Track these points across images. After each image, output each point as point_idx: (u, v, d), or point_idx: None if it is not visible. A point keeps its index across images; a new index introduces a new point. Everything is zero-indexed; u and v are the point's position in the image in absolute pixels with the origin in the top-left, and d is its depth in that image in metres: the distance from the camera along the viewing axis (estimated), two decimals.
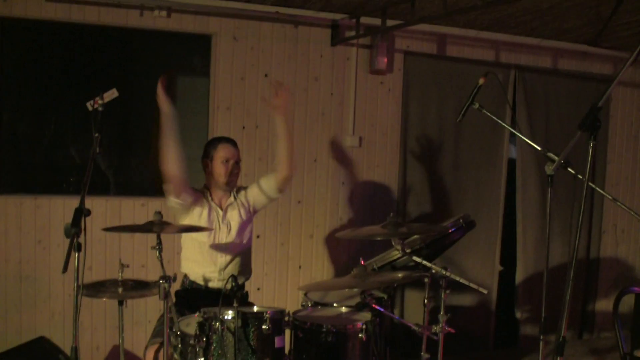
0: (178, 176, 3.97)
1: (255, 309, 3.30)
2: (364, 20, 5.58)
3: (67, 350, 4.44)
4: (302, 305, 4.07)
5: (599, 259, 7.10)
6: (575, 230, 2.57)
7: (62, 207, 5.12)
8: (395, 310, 5.94)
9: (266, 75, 5.56)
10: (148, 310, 5.32)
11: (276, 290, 5.67)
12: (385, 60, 5.82)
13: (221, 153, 4.19)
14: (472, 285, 3.44)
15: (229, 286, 3.16)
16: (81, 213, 2.67)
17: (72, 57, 5.40)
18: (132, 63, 5.62)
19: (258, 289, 5.62)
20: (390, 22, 5.33)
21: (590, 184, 2.84)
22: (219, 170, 4.18)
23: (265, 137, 5.54)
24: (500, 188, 6.46)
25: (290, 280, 5.71)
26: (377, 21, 5.42)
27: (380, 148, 6.01)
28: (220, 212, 4.22)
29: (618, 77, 2.58)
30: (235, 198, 4.28)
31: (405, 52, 6.06)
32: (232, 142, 4.28)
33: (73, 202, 4.91)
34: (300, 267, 5.78)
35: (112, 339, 5.29)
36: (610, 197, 3.02)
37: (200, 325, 3.16)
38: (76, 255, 2.60)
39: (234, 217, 4.23)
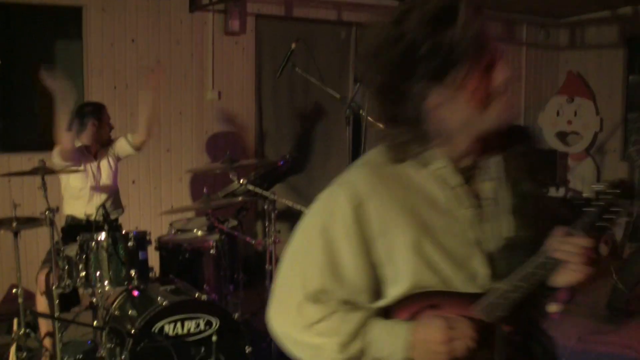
0: (69, 145, 4.70)
1: (123, 231, 4.16)
2: None
3: None
4: (168, 232, 4.96)
5: None
6: None
7: None
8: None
9: (133, 41, 6.30)
10: (40, 251, 5.96)
11: (152, 228, 6.20)
12: (238, 23, 6.65)
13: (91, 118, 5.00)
14: (295, 205, 4.39)
15: (99, 216, 4.01)
16: None
17: None
18: (13, 35, 6.19)
19: (137, 227, 6.39)
20: None
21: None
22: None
23: (135, 95, 6.15)
24: (347, 130, 7.41)
25: (163, 219, 6.26)
26: None
27: (237, 100, 6.87)
28: (95, 162, 5.05)
29: None
30: (106, 150, 5.13)
31: (257, 15, 6.87)
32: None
33: None
34: (172, 206, 6.52)
35: (8, 279, 5.85)
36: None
37: (80, 247, 3.99)
38: None
39: (105, 165, 5.09)
